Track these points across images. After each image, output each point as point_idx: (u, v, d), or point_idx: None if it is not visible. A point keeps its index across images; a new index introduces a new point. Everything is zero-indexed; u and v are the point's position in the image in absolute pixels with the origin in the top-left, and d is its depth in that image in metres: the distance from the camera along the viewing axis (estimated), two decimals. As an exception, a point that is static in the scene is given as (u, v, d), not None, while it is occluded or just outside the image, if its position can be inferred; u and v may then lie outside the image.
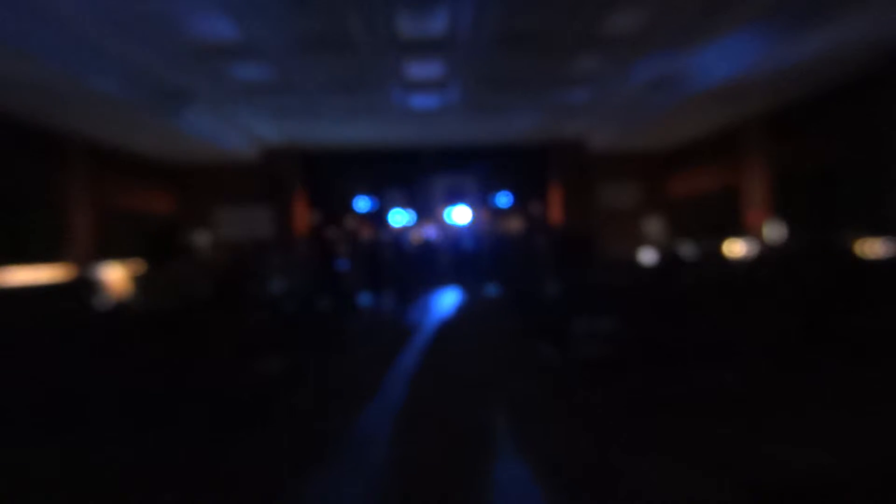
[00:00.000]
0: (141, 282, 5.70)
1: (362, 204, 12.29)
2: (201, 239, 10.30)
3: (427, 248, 11.12)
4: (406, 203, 12.51)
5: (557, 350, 4.75)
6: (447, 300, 9.58)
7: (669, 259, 8.36)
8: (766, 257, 7.25)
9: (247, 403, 3.70)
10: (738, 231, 8.83)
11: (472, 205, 12.52)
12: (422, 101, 8.27)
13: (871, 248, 5.89)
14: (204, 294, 4.54)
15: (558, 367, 4.51)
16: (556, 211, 11.93)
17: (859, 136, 6.74)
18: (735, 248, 8.22)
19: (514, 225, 11.72)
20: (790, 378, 3.80)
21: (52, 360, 3.50)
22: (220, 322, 4.15)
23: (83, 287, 6.48)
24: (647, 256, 9.35)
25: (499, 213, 12.53)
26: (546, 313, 5.68)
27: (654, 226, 11.84)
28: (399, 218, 12.35)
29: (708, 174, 10.55)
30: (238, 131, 9.38)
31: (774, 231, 8.08)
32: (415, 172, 12.28)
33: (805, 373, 3.88)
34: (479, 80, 7.32)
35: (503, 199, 12.55)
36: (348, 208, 12.20)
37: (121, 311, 5.01)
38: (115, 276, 7.06)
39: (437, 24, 5.52)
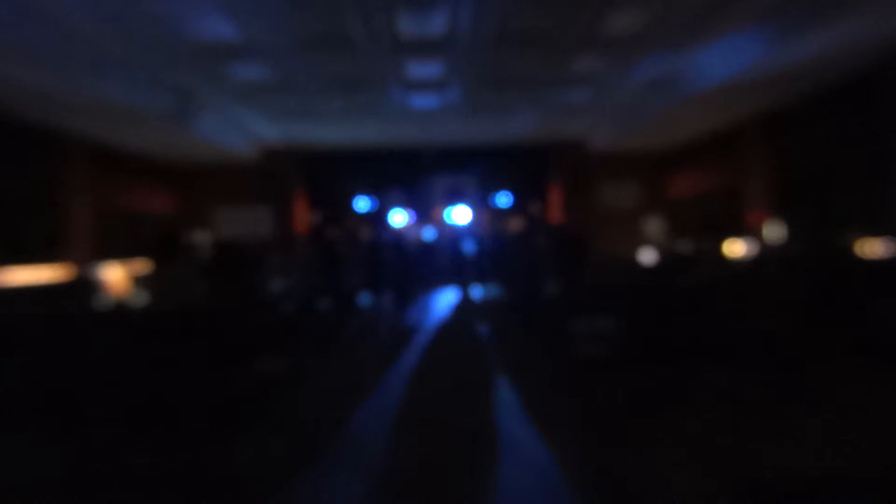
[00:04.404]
0: (141, 282, 5.70)
1: (362, 204, 12.29)
2: (201, 239, 10.30)
3: (427, 248, 11.11)
4: (406, 203, 12.51)
5: (557, 350, 4.75)
6: (447, 300, 9.58)
7: (669, 259, 8.36)
8: (766, 257, 7.25)
9: (246, 403, 3.70)
10: (738, 231, 8.83)
11: (472, 205, 12.52)
12: (422, 101, 8.26)
13: (871, 248, 5.89)
14: (204, 294, 4.54)
15: (558, 367, 4.51)
16: (556, 211, 11.93)
17: (859, 136, 6.74)
18: (735, 248, 8.22)
19: (514, 225, 11.70)
20: (790, 378, 3.80)
21: (53, 361, 3.50)
22: (220, 322, 4.15)
23: (83, 287, 6.49)
24: (647, 256, 9.35)
25: (499, 213, 12.53)
26: (546, 313, 5.68)
27: (653, 226, 11.84)
28: (399, 218, 12.35)
29: (708, 174, 10.55)
30: (238, 131, 9.38)
31: (774, 231, 8.08)
32: (415, 172, 12.28)
33: (805, 373, 3.88)
34: (479, 80, 7.31)
35: (503, 199, 12.55)
36: (348, 208, 12.20)
37: (121, 311, 5.01)
38: (115, 276, 7.07)
39: (437, 24, 5.52)
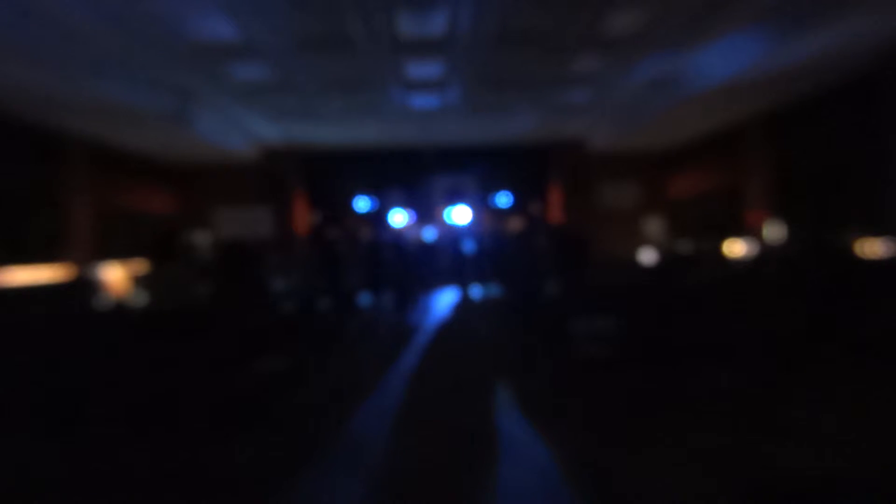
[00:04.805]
0: (141, 282, 5.69)
1: (362, 204, 12.29)
2: (201, 239, 10.30)
3: (427, 248, 11.11)
4: (406, 203, 12.51)
5: (557, 350, 4.75)
6: (447, 300, 9.58)
7: (669, 259, 8.36)
8: (766, 257, 7.25)
9: (247, 403, 3.70)
10: (738, 231, 8.83)
11: (472, 205, 12.51)
12: (422, 101, 8.26)
13: (871, 248, 5.89)
14: (205, 294, 4.54)
15: (558, 367, 4.51)
16: (556, 211, 11.93)
17: (859, 136, 6.74)
18: (735, 248, 8.22)
19: (514, 225, 11.70)
20: (790, 378, 3.80)
21: (53, 361, 3.50)
22: (220, 322, 4.15)
23: (83, 287, 6.48)
24: (647, 256, 9.35)
25: (499, 213, 12.53)
26: (546, 313, 5.68)
27: (653, 226, 11.84)
28: (399, 218, 12.35)
29: (708, 174, 10.55)
30: (238, 131, 9.38)
31: (774, 231, 8.08)
32: (415, 172, 12.28)
33: (805, 372, 3.88)
34: (479, 80, 7.31)
35: (503, 199, 12.54)
36: (348, 208, 12.20)
37: (121, 311, 5.00)
38: (115, 276, 7.06)
39: (437, 24, 5.52)
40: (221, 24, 5.20)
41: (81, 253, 7.77)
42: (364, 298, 8.88)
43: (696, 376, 3.89)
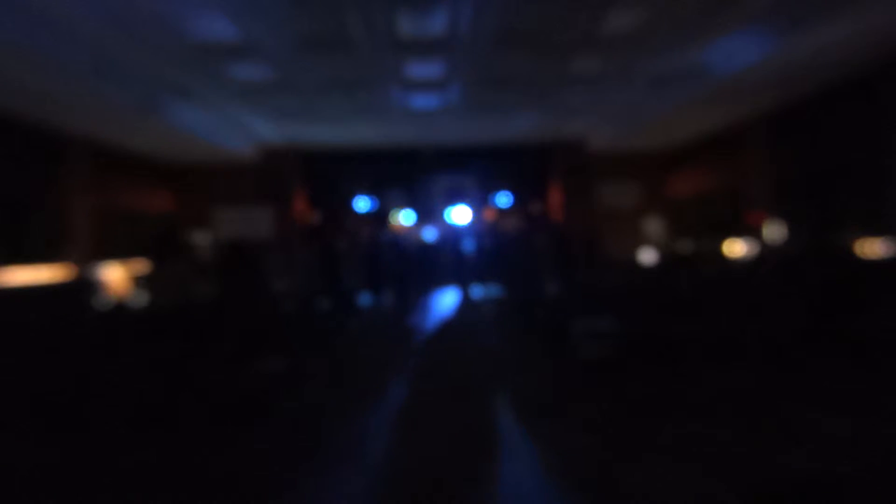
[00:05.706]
0: (141, 282, 5.70)
1: (362, 204, 12.29)
2: (201, 239, 10.30)
3: (427, 248, 11.11)
4: (406, 203, 12.51)
5: (557, 350, 4.75)
6: (447, 300, 9.58)
7: (669, 259, 8.37)
8: (766, 257, 7.25)
9: (247, 403, 3.70)
10: (738, 231, 8.83)
11: (472, 205, 12.51)
12: (422, 101, 8.26)
13: (871, 248, 5.89)
14: (205, 293, 4.54)
15: (559, 367, 4.51)
16: (556, 211, 11.93)
17: (860, 136, 6.74)
18: (735, 248, 8.22)
19: (514, 225, 11.71)
20: (791, 378, 3.80)
21: (53, 360, 3.50)
22: (220, 322, 4.15)
23: (83, 287, 6.49)
24: (647, 256, 9.36)
25: (499, 212, 12.53)
26: (546, 313, 5.69)
27: (653, 226, 11.84)
28: (399, 218, 12.36)
29: (708, 174, 10.55)
30: (238, 131, 9.37)
31: (774, 231, 8.08)
32: (415, 172, 12.28)
33: (805, 373, 3.88)
34: (479, 80, 7.31)
35: (503, 199, 12.54)
36: (348, 208, 12.20)
37: (121, 311, 5.01)
38: (115, 276, 7.06)
39: (437, 24, 5.52)
40: (221, 24, 5.20)
41: (81, 253, 7.76)
42: (364, 298, 8.89)
43: (696, 376, 3.89)
